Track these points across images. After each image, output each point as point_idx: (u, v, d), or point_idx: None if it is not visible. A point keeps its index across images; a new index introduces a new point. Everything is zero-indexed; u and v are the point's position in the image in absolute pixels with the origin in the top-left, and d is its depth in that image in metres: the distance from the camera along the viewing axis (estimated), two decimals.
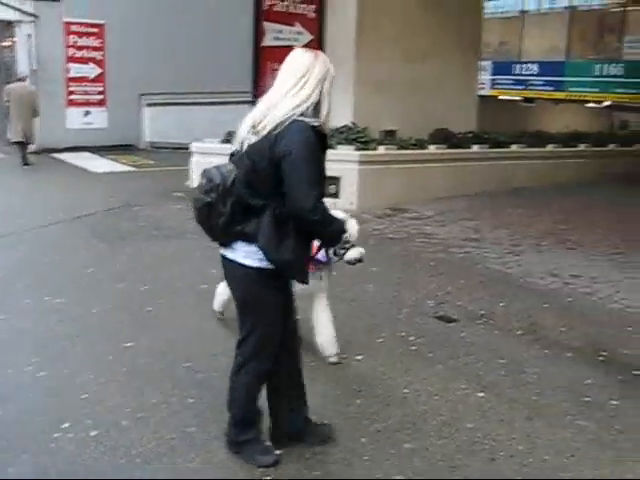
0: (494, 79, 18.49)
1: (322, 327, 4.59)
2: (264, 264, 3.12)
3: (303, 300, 4.05)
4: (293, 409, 3.55)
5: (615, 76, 17.48)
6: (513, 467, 3.48)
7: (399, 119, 10.68)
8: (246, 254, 3.14)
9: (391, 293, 6.08)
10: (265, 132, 3.02)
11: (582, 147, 12.82)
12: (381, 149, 9.82)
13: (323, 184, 3.20)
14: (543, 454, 3.61)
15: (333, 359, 4.59)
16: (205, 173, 3.18)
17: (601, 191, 11.65)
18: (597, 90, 17.74)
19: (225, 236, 3.18)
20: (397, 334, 5.15)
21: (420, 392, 4.24)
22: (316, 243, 3.54)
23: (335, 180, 9.45)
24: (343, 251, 3.48)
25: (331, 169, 9.71)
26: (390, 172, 9.67)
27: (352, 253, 3.48)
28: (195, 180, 9.91)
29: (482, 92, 15.85)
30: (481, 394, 4.25)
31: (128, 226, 8.46)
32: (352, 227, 3.72)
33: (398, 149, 9.98)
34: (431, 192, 10.05)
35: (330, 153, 10.17)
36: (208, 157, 9.56)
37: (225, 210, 3.08)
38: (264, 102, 3.13)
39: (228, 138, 10.01)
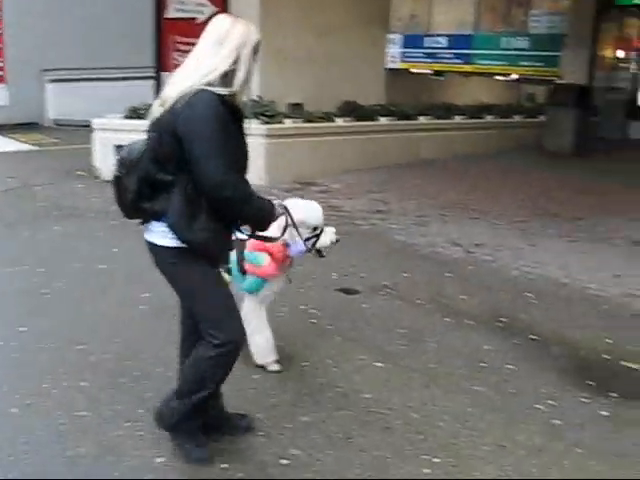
0: (404, 52, 18.48)
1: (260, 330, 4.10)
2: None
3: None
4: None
5: (521, 49, 17.77)
6: (407, 435, 3.49)
7: (306, 92, 10.59)
8: (162, 234, 2.92)
9: (294, 267, 6.01)
10: (168, 105, 2.82)
11: (489, 119, 13.05)
12: (288, 122, 9.73)
13: (238, 159, 2.94)
14: (438, 421, 3.65)
15: (274, 367, 4.15)
16: (121, 148, 3.06)
17: (507, 162, 11.89)
18: (504, 63, 18.00)
19: (135, 213, 3.00)
20: (298, 308, 5.12)
21: (318, 365, 4.22)
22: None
23: None
24: (312, 240, 3.36)
25: None
26: (298, 145, 9.60)
27: (324, 239, 3.40)
28: (98, 158, 9.65)
29: (392, 65, 15.90)
30: (379, 364, 4.26)
31: (27, 207, 8.11)
32: (314, 214, 3.66)
33: (305, 122, 9.90)
34: (339, 165, 10.03)
35: None
36: (111, 133, 9.28)
37: (132, 186, 2.91)
38: (177, 73, 2.93)
39: (131, 114, 9.75)
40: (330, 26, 10.99)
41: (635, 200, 9.44)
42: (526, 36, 17.66)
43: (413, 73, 16.43)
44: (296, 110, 10.44)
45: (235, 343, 3.07)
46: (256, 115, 9.62)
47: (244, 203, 2.89)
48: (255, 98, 10.14)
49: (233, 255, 3.75)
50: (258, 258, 3.90)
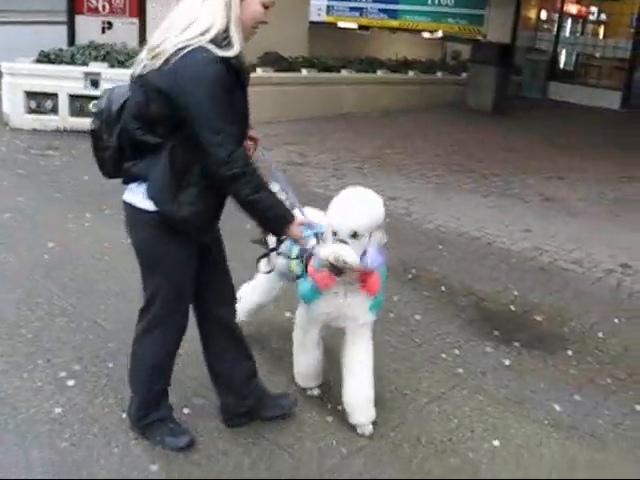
0: (330, 5, 18.26)
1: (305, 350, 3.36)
2: None
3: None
4: (248, 377, 3.09)
5: (447, 6, 17.77)
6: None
7: None
8: (143, 196, 2.57)
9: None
10: (160, 61, 2.41)
11: (411, 74, 13.04)
12: None
13: (243, 130, 2.58)
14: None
15: (314, 392, 3.44)
16: (101, 94, 2.65)
17: (428, 118, 11.93)
18: (429, 19, 17.98)
19: (115, 172, 2.65)
20: None
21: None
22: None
23: None
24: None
25: None
26: None
27: (325, 251, 2.72)
28: (6, 104, 9.19)
29: (317, 18, 15.68)
30: (288, 314, 4.21)
31: None
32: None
33: None
34: (258, 116, 9.70)
35: None
36: (21, 79, 8.83)
37: (111, 142, 2.56)
38: (166, 21, 2.52)
39: (42, 59, 9.32)
40: None
41: (550, 158, 9.64)
42: None
43: (338, 27, 16.26)
44: None
45: (173, 329, 2.92)
46: None
47: (255, 187, 2.51)
48: None
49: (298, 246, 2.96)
50: None
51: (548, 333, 4.28)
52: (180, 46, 2.39)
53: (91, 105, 2.71)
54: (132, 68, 2.59)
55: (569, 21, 17.99)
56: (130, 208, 2.68)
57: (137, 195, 2.60)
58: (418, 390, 3.50)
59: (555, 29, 17.47)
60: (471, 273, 5.12)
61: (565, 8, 17.43)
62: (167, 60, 2.39)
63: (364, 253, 2.75)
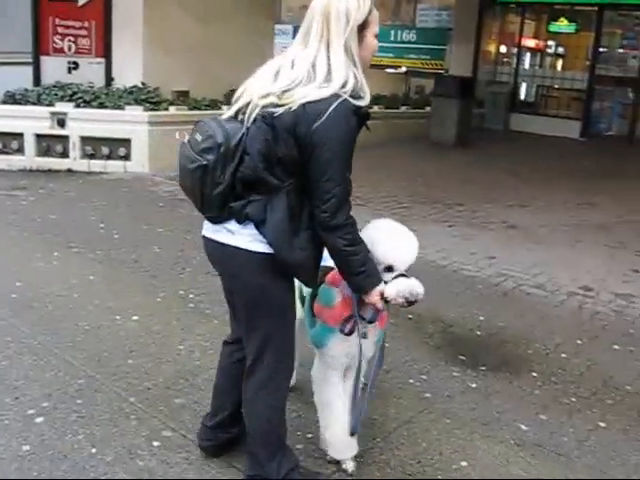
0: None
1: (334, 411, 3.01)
2: None
3: None
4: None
5: (409, 42, 18.15)
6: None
7: (192, 80, 10.42)
8: (252, 238, 2.48)
9: (176, 253, 5.94)
10: (296, 105, 2.38)
11: (376, 109, 13.23)
12: (172, 109, 9.55)
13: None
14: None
15: (349, 465, 3.06)
16: (200, 126, 2.51)
17: (392, 151, 12.07)
18: (393, 55, 18.34)
19: (218, 210, 2.51)
20: (177, 293, 5.05)
21: (194, 348, 4.16)
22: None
23: (125, 142, 9.13)
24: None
25: (121, 130, 9.30)
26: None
27: (394, 289, 2.61)
28: None
29: None
30: None
31: None
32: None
33: (190, 109, 9.75)
34: None
35: (119, 114, 9.61)
36: None
37: (222, 179, 2.43)
38: (288, 61, 2.49)
39: (7, 99, 9.37)
40: (215, 14, 10.83)
41: (513, 187, 9.83)
42: (414, 30, 18.09)
43: None
44: (181, 97, 10.28)
45: (289, 378, 2.87)
46: (140, 101, 9.43)
47: (352, 241, 2.49)
48: (139, 85, 9.95)
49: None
50: (328, 294, 2.89)
51: (513, 355, 4.36)
52: (327, 95, 2.37)
53: (177, 135, 2.62)
54: (232, 109, 2.54)
55: (528, 54, 18.45)
56: (232, 251, 2.54)
57: (242, 237, 2.50)
58: (387, 415, 3.54)
59: (515, 62, 17.91)
60: (438, 300, 5.18)
61: (523, 42, 17.88)
62: (305, 105, 2.37)
63: None
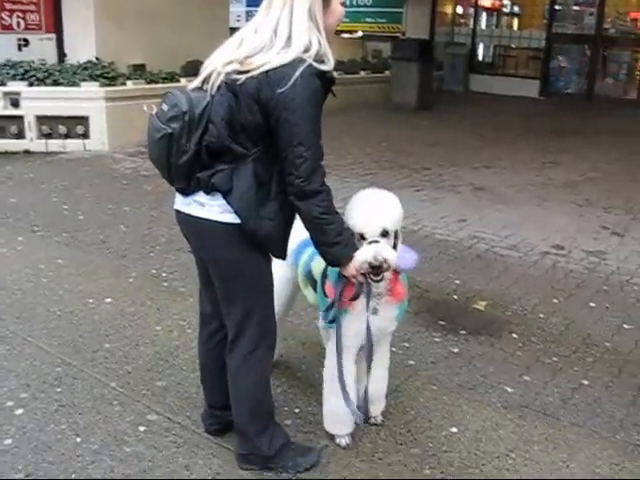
0: (249, 11, 18.20)
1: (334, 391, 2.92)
2: None
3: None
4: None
5: (365, 5, 17.96)
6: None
7: (148, 53, 10.15)
8: (222, 209, 2.45)
9: (143, 231, 5.83)
10: (258, 71, 2.35)
11: (335, 74, 13.06)
12: (129, 84, 9.31)
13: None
14: (297, 371, 3.64)
15: (342, 441, 3.05)
16: (167, 97, 2.46)
17: (353, 118, 11.99)
18: (348, 20, 18.11)
19: (185, 181, 2.49)
20: (149, 272, 4.95)
21: (172, 328, 4.10)
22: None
23: (83, 120, 8.89)
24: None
25: (77, 108, 9.04)
26: (141, 108, 9.20)
27: (361, 254, 2.57)
28: None
29: (238, 24, 15.64)
30: None
31: None
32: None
33: (148, 83, 9.52)
34: None
35: (74, 91, 9.30)
36: None
37: (188, 147, 2.40)
38: (246, 34, 2.46)
39: None
40: None
41: (477, 149, 9.85)
42: None
43: None
44: (138, 71, 10.03)
45: (272, 349, 2.81)
46: (94, 78, 9.18)
47: (327, 209, 2.44)
48: (93, 60, 9.68)
49: (319, 264, 2.93)
50: (338, 272, 2.75)
51: (492, 318, 4.38)
52: (288, 60, 2.33)
53: (145, 107, 2.56)
54: (199, 78, 2.51)
55: (484, 15, 18.44)
56: (204, 223, 2.52)
57: (212, 208, 2.48)
58: None
59: (472, 23, 17.88)
60: None
61: (480, 2, 17.86)
62: (267, 71, 2.34)
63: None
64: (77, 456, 2.96)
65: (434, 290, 4.79)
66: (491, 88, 16.16)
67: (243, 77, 2.37)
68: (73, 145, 8.94)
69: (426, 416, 3.26)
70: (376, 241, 2.61)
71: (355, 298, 2.73)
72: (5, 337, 3.95)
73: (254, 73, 2.35)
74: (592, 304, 4.63)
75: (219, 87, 2.45)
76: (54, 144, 8.93)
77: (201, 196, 2.51)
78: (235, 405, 2.82)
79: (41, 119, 8.88)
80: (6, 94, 8.80)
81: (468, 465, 2.92)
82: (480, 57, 18.08)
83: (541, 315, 4.41)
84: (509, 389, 3.52)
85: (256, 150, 2.43)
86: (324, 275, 2.91)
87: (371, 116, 12.47)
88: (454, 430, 3.16)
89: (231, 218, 2.47)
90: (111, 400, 3.37)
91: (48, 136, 8.91)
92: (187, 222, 2.61)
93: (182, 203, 2.60)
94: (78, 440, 3.07)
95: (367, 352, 2.85)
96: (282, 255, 2.67)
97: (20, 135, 8.88)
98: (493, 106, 14.47)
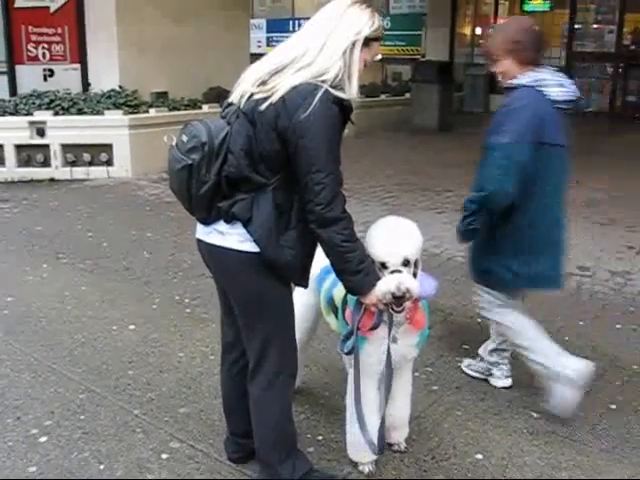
0: (269, 37, 18.45)
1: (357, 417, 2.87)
2: None
3: None
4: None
5: (384, 29, 17.99)
6: None
7: (170, 80, 10.30)
8: (242, 238, 2.46)
9: (166, 257, 5.87)
10: (276, 97, 2.35)
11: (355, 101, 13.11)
12: (152, 112, 9.45)
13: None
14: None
15: (365, 468, 3.01)
16: (187, 128, 2.49)
17: (374, 140, 12.04)
18: None
19: (206, 211, 2.50)
20: (172, 298, 4.98)
21: (195, 354, 4.10)
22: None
23: (107, 147, 9.03)
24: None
25: (101, 136, 9.15)
26: (164, 135, 9.30)
27: (384, 284, 2.55)
28: None
29: (258, 50, 15.83)
30: None
31: None
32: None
33: (170, 110, 9.65)
34: None
35: (98, 120, 9.42)
36: None
37: (208, 177, 2.42)
38: (275, 56, 2.48)
39: None
40: (187, 12, 10.66)
41: None
42: (388, 17, 18.03)
43: None
44: (160, 99, 10.16)
45: (294, 377, 2.80)
46: (118, 106, 9.31)
47: (349, 236, 2.42)
48: (116, 88, 9.82)
49: (340, 291, 2.89)
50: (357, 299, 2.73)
51: None
52: (298, 83, 2.35)
53: (165, 138, 2.59)
54: (230, 99, 2.53)
55: None
56: (224, 252, 2.52)
57: (231, 237, 2.48)
58: None
59: None
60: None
61: (499, 22, 17.85)
62: (284, 96, 2.35)
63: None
64: None
65: (457, 314, 4.76)
66: None
67: (263, 106, 2.38)
68: (97, 172, 9.07)
69: (450, 442, 3.23)
70: (398, 270, 2.59)
71: (375, 327, 2.72)
72: (31, 365, 3.98)
73: (273, 100, 2.36)
74: (618, 326, 4.57)
75: (237, 116, 2.47)
76: (78, 171, 9.07)
77: (221, 225, 2.52)
78: (257, 433, 2.80)
79: (66, 147, 9.03)
80: (32, 123, 8.97)
81: None
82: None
83: (566, 338, 4.35)
84: (535, 414, 3.47)
85: (276, 179, 2.44)
86: (344, 302, 2.90)
87: (392, 138, 12.50)
88: (479, 457, 3.11)
89: (251, 247, 2.47)
90: (134, 427, 3.38)
91: (73, 164, 9.05)
92: (208, 251, 2.62)
93: (203, 232, 2.61)
94: (101, 467, 3.08)
95: (386, 381, 2.82)
96: (303, 283, 2.68)
97: (46, 163, 9.03)
98: None
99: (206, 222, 2.57)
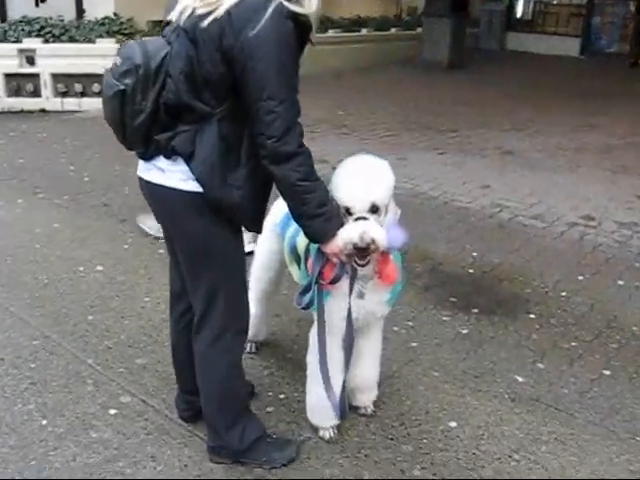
0: None
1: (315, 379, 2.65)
2: None
3: None
4: None
5: None
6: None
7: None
8: (184, 176, 2.13)
9: None
10: (220, 11, 1.98)
11: (364, 32, 12.62)
12: None
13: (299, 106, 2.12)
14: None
15: (325, 434, 2.73)
16: (122, 49, 2.16)
17: (382, 75, 11.56)
18: None
19: (143, 144, 2.17)
20: (144, 238, 4.68)
21: (160, 300, 3.81)
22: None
23: (99, 78, 8.57)
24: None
25: (94, 65, 8.77)
26: None
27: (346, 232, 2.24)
28: None
29: None
30: None
31: None
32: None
33: None
34: None
35: (90, 48, 8.99)
36: None
37: (145, 105, 2.07)
38: None
39: None
40: None
41: (509, 110, 9.37)
42: None
43: None
44: (157, 28, 9.69)
45: (243, 333, 2.49)
46: (112, 34, 8.89)
47: (306, 174, 2.10)
48: (111, 15, 9.38)
49: (304, 240, 2.49)
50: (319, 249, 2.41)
51: (509, 296, 4.01)
52: None
53: (113, 64, 2.14)
54: (170, 16, 2.13)
55: None
56: (164, 191, 2.19)
57: (173, 175, 2.16)
58: None
59: None
60: (427, 236, 4.84)
61: None
62: (229, 10, 1.98)
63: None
64: (40, 441, 2.73)
65: (448, 262, 4.44)
66: (529, 46, 15.52)
67: (205, 22, 2.01)
68: (89, 104, 8.69)
69: (423, 407, 2.93)
70: (364, 218, 2.26)
71: (335, 281, 2.40)
72: None
73: (217, 14, 1.99)
74: (620, 282, 4.24)
75: (178, 35, 2.10)
76: (70, 103, 8.73)
77: (161, 161, 2.19)
78: (202, 394, 2.54)
79: (57, 77, 8.67)
80: (22, 51, 8.58)
81: (464, 467, 2.59)
82: (518, 14, 17.34)
83: (563, 293, 4.04)
84: (520, 378, 3.16)
85: (222, 108, 2.09)
86: (307, 251, 2.58)
87: (400, 75, 11.98)
88: (453, 425, 2.82)
89: (194, 186, 2.15)
90: (85, 378, 3.15)
91: (64, 94, 8.70)
92: (148, 190, 2.30)
93: (143, 169, 2.28)
94: (44, 422, 2.85)
95: (346, 340, 2.52)
96: (256, 228, 2.36)
97: (36, 93, 8.68)
98: (530, 65, 13.86)
99: (145, 157, 2.24)
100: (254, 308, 3.12)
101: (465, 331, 3.59)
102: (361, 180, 2.30)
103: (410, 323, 3.64)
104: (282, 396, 2.99)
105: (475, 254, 4.56)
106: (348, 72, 11.63)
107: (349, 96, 9.92)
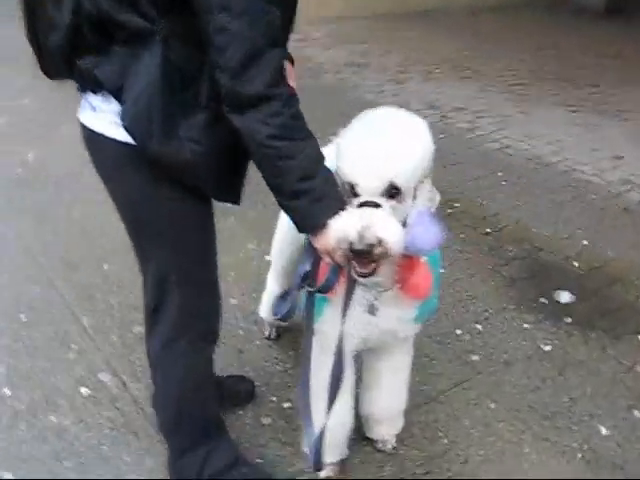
0: None
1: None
2: None
3: None
4: None
5: None
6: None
7: None
8: (112, 117, 1.51)
9: None
10: None
11: None
12: None
13: (286, 25, 1.53)
14: None
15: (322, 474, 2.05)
16: None
17: (522, 16, 10.26)
18: None
19: (64, 71, 1.56)
20: None
21: None
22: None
23: None
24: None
25: None
26: None
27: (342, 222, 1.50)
28: None
29: None
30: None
31: None
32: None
33: None
34: (320, 11, 8.53)
35: None
36: None
37: (61, 20, 1.47)
38: None
39: None
40: None
41: None
42: None
43: None
44: None
45: (210, 335, 1.89)
46: None
47: (282, 128, 1.41)
48: None
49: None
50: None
51: (618, 305, 3.11)
52: None
53: None
54: None
55: None
56: (95, 138, 1.58)
57: (105, 115, 1.53)
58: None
59: None
60: (532, 212, 3.98)
61: None
62: None
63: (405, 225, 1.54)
64: None
65: (550, 249, 3.58)
66: None
67: None
68: None
69: (463, 452, 2.20)
70: (374, 204, 1.51)
71: (324, 290, 1.69)
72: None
73: None
74: None
75: None
76: None
77: (93, 96, 1.55)
78: (157, 403, 1.95)
79: None
80: None
81: None
82: None
83: None
84: (604, 430, 2.34)
85: (166, 23, 1.42)
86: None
87: (543, 18, 10.61)
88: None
89: (122, 135, 1.50)
90: (70, 343, 2.71)
91: None
92: (82, 134, 1.63)
93: (80, 108, 1.63)
94: (8, 394, 2.44)
95: (332, 377, 1.78)
96: (228, 197, 1.66)
97: None
98: None
99: (80, 90, 1.60)
100: (273, 285, 2.52)
101: (548, 348, 2.76)
102: (376, 145, 1.51)
103: (479, 326, 2.87)
104: (286, 405, 2.37)
105: (586, 242, 3.67)
106: (484, 9, 10.39)
107: (479, 36, 8.82)
